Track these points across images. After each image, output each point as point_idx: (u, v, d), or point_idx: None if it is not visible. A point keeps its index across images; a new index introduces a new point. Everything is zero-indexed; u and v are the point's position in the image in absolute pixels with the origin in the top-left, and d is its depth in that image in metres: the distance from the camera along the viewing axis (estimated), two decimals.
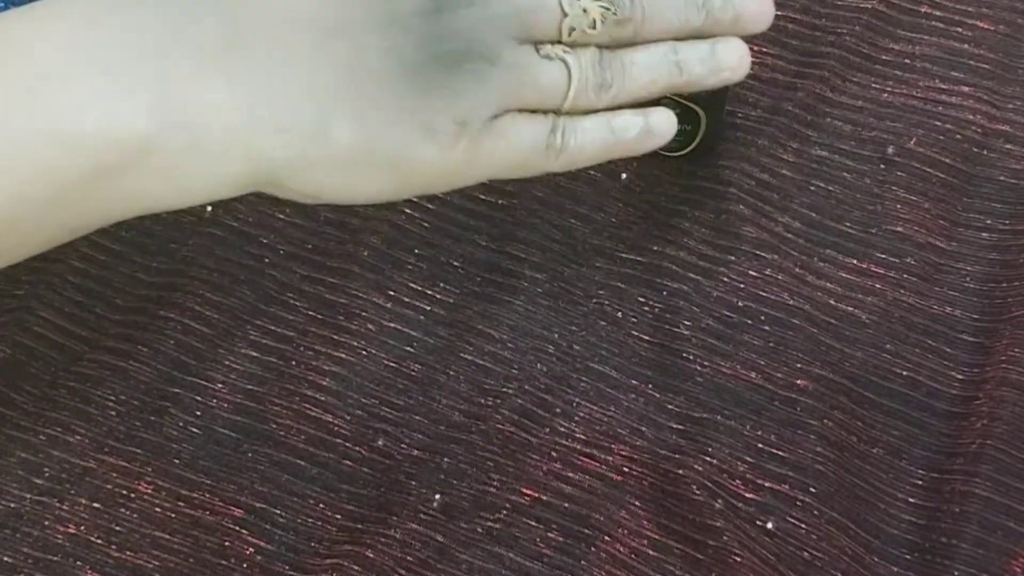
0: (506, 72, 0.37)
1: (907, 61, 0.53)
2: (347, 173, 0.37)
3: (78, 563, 0.42)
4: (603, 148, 0.39)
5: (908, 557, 0.43)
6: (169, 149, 0.35)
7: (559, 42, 0.38)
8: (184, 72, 0.35)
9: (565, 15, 0.37)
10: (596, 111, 0.40)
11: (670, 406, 0.45)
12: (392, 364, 0.46)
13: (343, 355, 0.46)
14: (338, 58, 0.36)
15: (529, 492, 0.43)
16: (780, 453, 0.44)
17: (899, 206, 0.49)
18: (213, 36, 0.36)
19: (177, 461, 0.44)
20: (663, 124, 0.40)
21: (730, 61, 0.40)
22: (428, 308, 0.47)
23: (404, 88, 0.36)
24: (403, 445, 0.45)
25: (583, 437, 0.44)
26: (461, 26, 0.36)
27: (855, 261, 0.48)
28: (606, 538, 0.42)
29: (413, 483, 0.44)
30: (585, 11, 0.37)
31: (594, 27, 0.38)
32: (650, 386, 0.46)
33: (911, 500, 0.44)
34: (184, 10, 0.36)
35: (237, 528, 0.43)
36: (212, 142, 0.35)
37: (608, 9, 0.38)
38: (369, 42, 0.36)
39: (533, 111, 0.38)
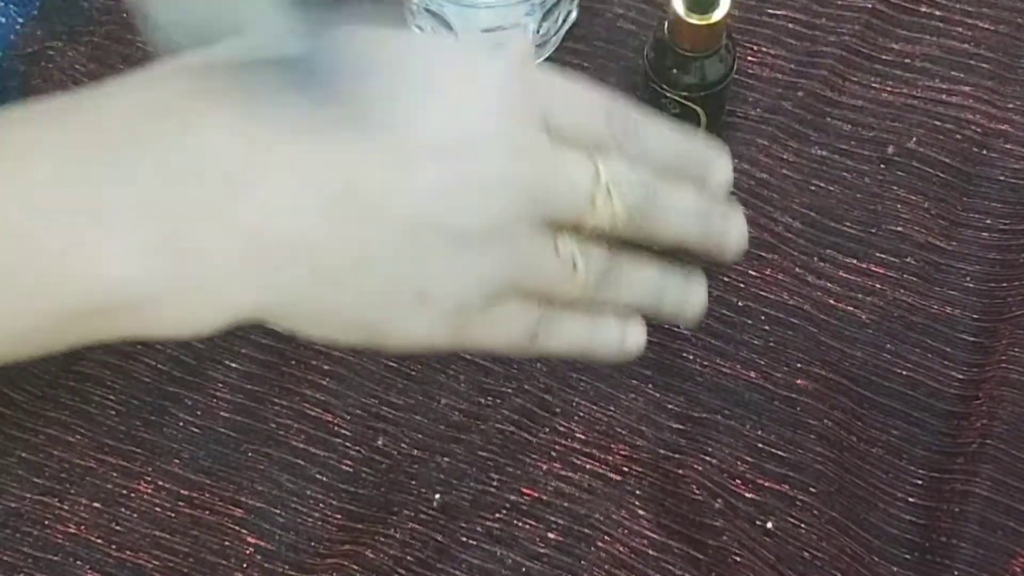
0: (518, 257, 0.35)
1: (907, 61, 0.53)
2: (329, 326, 0.35)
3: (78, 563, 0.42)
4: (576, 349, 0.39)
5: (908, 557, 0.43)
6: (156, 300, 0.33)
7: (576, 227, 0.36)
8: (186, 217, 0.33)
9: (593, 207, 0.36)
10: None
11: (670, 406, 0.45)
12: (392, 364, 0.46)
13: (342, 355, 0.46)
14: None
15: (529, 492, 0.43)
16: (780, 453, 0.44)
17: (899, 206, 0.49)
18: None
19: (177, 461, 0.44)
20: (636, 344, 0.40)
21: (695, 305, 0.40)
22: None
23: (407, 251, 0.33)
24: (403, 445, 0.45)
25: (583, 437, 0.44)
26: (485, 203, 0.33)
27: (855, 261, 0.48)
28: (606, 538, 0.42)
29: (413, 483, 0.44)
30: (614, 213, 0.36)
31: (616, 229, 0.36)
32: (650, 386, 0.46)
33: (911, 500, 0.44)
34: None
35: (237, 528, 0.43)
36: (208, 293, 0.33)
37: (634, 215, 0.36)
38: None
39: (526, 296, 0.37)
